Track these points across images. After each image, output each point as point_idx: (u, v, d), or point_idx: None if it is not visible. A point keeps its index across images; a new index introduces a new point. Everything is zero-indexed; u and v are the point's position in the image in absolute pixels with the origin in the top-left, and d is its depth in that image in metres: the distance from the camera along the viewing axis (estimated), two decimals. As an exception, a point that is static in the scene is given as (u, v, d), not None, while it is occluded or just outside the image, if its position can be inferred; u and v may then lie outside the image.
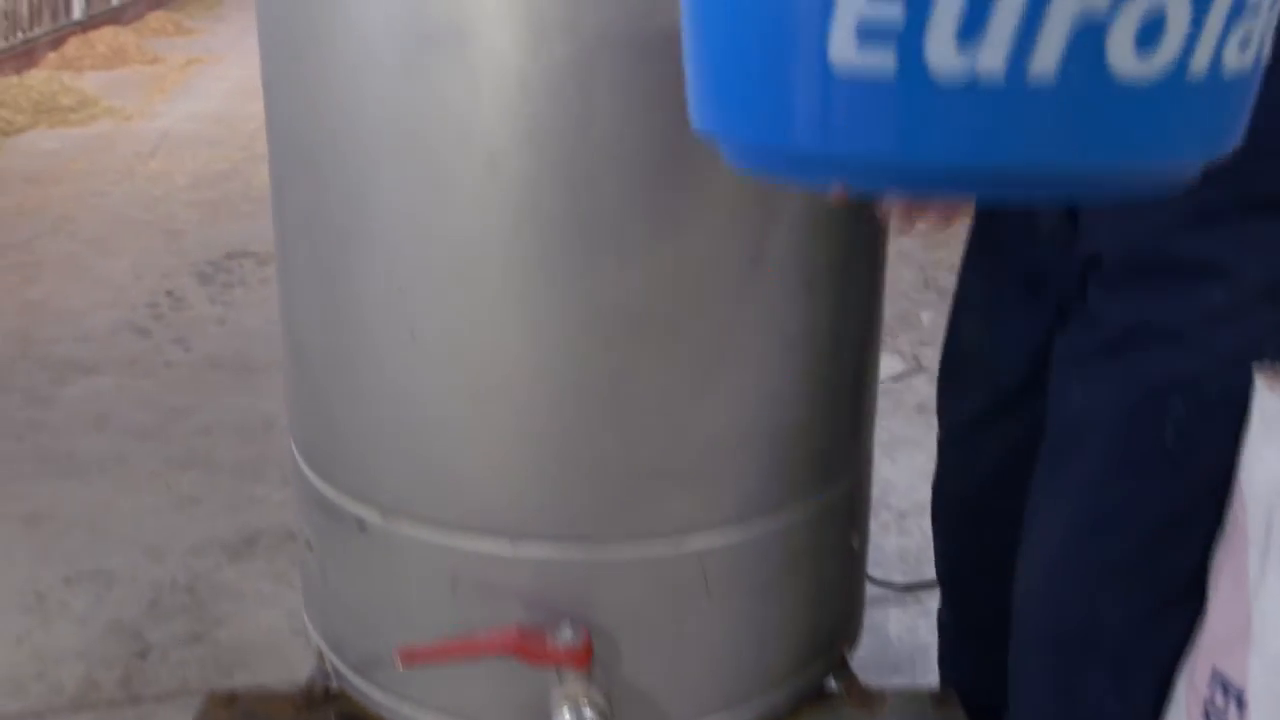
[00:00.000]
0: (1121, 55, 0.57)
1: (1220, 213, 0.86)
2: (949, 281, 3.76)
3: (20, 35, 7.32)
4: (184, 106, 6.31)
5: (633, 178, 0.94)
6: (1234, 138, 0.66)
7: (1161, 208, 0.89)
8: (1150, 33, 0.57)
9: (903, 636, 1.88)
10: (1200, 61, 0.59)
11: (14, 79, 6.06)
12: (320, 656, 1.24)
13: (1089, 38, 0.56)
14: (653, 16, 0.89)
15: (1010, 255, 1.08)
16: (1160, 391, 0.86)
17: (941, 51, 0.57)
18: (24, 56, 7.18)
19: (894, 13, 0.57)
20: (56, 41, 7.75)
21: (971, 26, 0.56)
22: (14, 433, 2.54)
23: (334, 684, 1.22)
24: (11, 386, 2.76)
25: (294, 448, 1.19)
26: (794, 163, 0.66)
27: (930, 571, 1.42)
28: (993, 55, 0.56)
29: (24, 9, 7.34)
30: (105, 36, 7.77)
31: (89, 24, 8.50)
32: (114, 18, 9.28)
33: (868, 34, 0.58)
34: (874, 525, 1.74)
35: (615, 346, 0.98)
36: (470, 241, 0.95)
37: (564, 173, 0.92)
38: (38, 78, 6.31)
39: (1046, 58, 0.56)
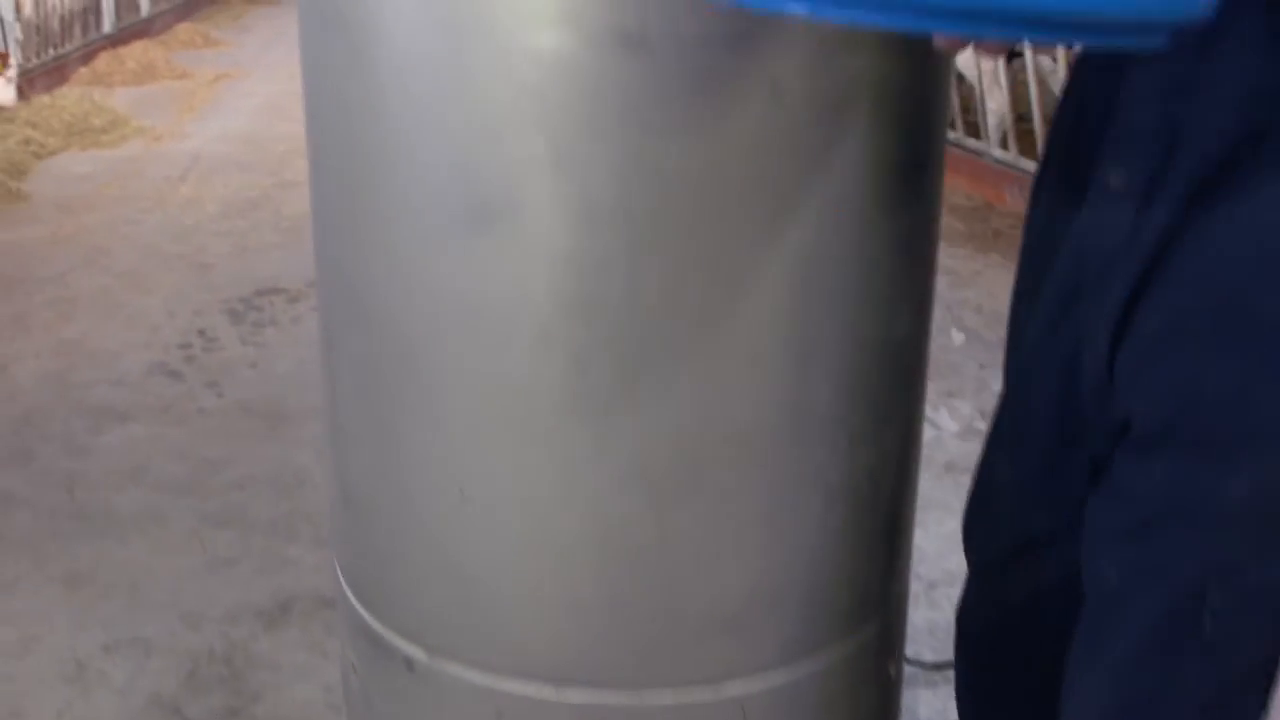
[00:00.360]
0: None
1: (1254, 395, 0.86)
2: (975, 321, 3.77)
3: (52, 52, 7.39)
4: (213, 126, 6.36)
5: (679, 346, 0.95)
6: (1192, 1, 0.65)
7: (1199, 378, 0.90)
8: None
9: (933, 719, 1.89)
10: None
11: (46, 99, 6.12)
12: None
13: None
14: (702, 199, 0.91)
15: (1046, 407, 1.08)
16: (1197, 582, 0.87)
17: None
18: (55, 73, 7.26)
19: None
20: (87, 57, 7.83)
21: None
22: (56, 483, 2.58)
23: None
24: (51, 434, 2.80)
25: (339, 573, 1.21)
26: None
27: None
28: None
29: (55, 24, 7.42)
30: (135, 52, 7.85)
31: (119, 38, 8.57)
32: (143, 30, 9.36)
33: None
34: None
35: (660, 505, 0.99)
36: (520, 406, 0.97)
37: (613, 345, 0.94)
38: (69, 97, 6.37)
39: None
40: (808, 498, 1.04)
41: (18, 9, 6.74)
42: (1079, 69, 1.03)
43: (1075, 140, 1.00)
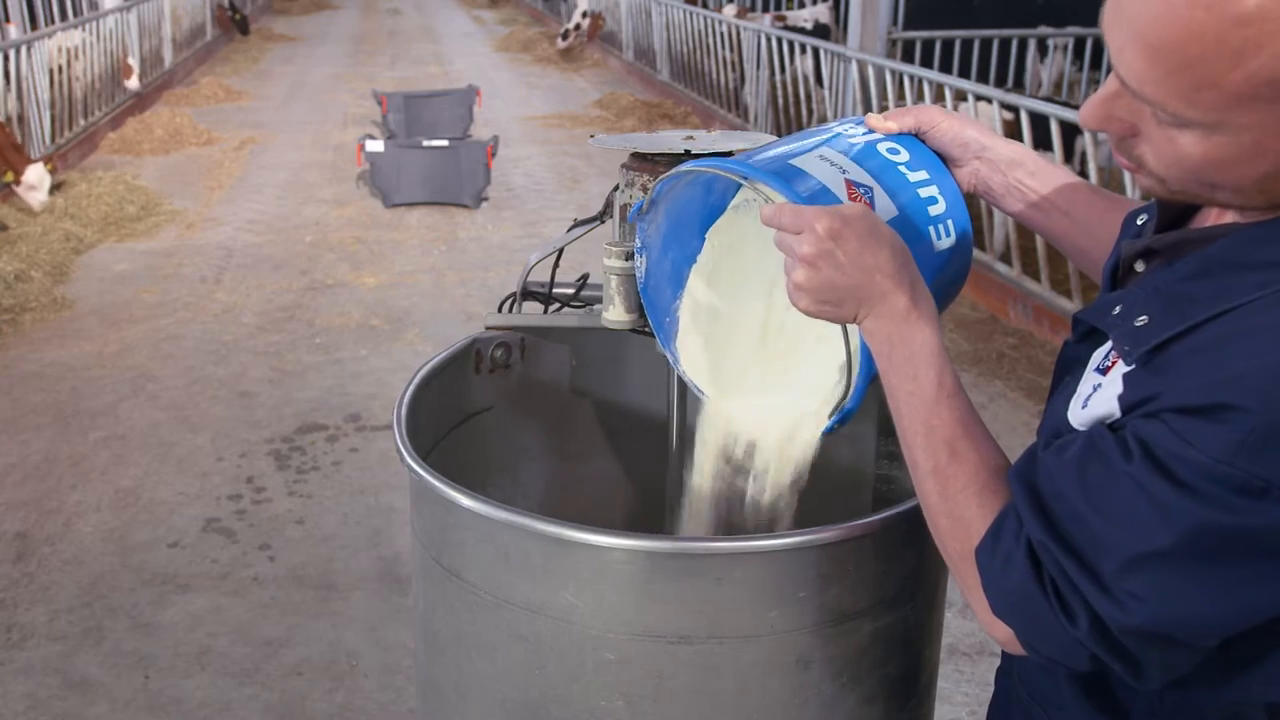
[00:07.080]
0: None
1: None
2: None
3: (82, 122, 7.60)
4: (242, 210, 6.58)
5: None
6: None
7: None
8: None
9: None
10: None
11: (83, 188, 6.33)
12: None
13: None
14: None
15: None
16: None
17: None
18: (87, 142, 7.48)
19: None
20: (115, 122, 8.04)
21: None
22: (128, 666, 2.79)
23: None
24: (117, 607, 3.02)
25: None
26: None
27: None
28: None
29: (79, 90, 7.62)
30: (162, 118, 8.05)
31: (145, 97, 8.78)
32: (167, 80, 9.58)
33: None
34: None
35: None
36: None
37: None
38: (103, 182, 6.58)
39: None
40: None
41: (50, 86, 6.94)
42: None
43: None
